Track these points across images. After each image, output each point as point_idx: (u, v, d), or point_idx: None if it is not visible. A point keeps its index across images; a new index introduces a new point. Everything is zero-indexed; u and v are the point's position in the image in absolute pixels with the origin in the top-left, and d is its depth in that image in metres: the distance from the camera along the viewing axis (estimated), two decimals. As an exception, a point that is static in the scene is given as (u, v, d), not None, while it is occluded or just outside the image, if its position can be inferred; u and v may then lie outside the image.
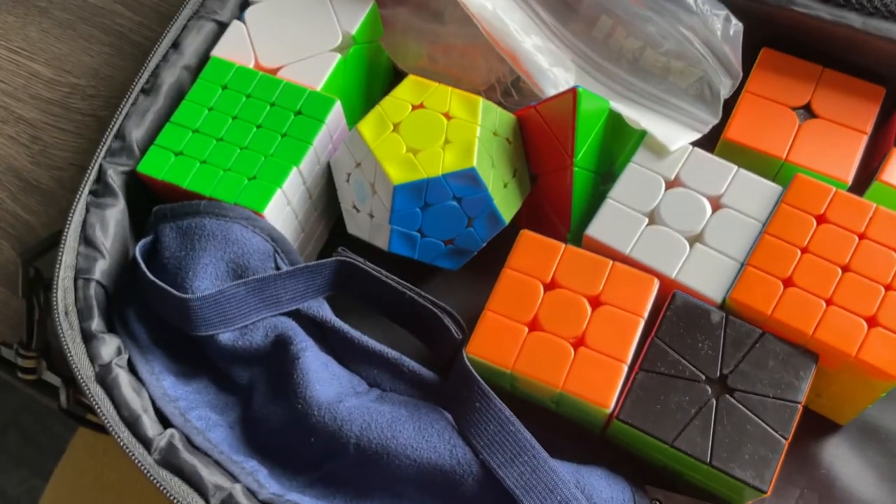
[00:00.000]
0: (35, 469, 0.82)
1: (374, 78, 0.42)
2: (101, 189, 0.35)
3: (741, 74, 0.36)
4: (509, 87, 0.41)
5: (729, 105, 0.36)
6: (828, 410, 0.35)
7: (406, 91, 0.35)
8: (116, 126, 0.37)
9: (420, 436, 0.31)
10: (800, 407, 0.30)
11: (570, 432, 0.33)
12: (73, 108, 0.47)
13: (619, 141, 0.37)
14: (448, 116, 0.35)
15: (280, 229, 0.35)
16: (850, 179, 0.34)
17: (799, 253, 0.32)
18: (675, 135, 0.35)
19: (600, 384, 0.30)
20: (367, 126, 0.35)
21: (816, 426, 0.35)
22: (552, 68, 0.38)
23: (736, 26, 0.35)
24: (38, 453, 0.82)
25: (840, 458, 0.35)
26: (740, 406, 0.30)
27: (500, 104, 0.41)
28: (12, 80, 0.48)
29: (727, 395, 0.30)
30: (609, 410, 0.30)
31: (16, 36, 0.50)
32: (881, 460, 0.34)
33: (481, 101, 0.35)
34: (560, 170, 0.36)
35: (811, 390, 0.33)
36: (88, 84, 0.48)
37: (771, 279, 0.31)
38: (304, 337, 0.33)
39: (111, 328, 0.34)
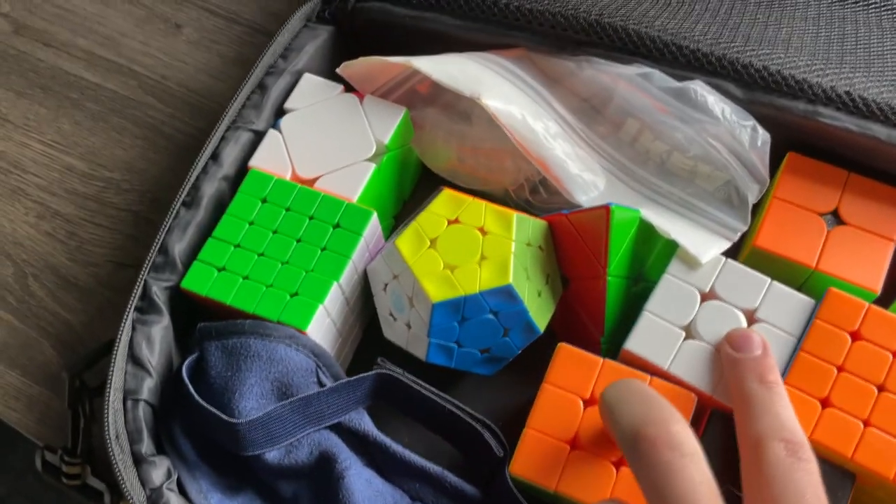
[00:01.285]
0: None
1: (405, 177, 0.43)
2: (147, 306, 0.36)
3: (768, 181, 0.37)
4: (537, 185, 0.42)
5: (754, 210, 0.37)
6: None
7: (442, 206, 0.36)
8: (160, 241, 0.38)
9: None
10: (839, 528, 0.30)
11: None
12: (107, 203, 0.48)
13: (649, 244, 0.38)
14: (483, 231, 0.35)
15: (321, 341, 0.36)
16: (879, 289, 0.35)
17: (835, 371, 0.32)
18: (706, 245, 0.36)
19: (643, 505, 0.31)
20: (404, 242, 0.36)
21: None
22: (581, 173, 0.39)
23: (763, 136, 0.36)
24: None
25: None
26: (782, 528, 0.30)
27: (527, 202, 0.42)
28: (47, 174, 0.49)
29: (768, 517, 0.31)
30: (652, 532, 0.31)
31: (49, 128, 0.51)
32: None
33: (515, 215, 0.36)
34: (593, 278, 0.36)
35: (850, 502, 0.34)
36: (122, 178, 0.49)
37: (809, 399, 0.32)
38: (347, 454, 0.34)
39: (160, 447, 0.35)
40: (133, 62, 0.53)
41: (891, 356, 0.32)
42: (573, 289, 0.38)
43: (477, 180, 0.42)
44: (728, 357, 0.32)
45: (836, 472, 0.31)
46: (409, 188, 0.44)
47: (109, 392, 0.34)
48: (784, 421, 0.29)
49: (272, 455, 0.34)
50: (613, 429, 0.28)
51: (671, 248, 0.36)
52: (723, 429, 0.32)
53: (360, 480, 0.34)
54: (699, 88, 0.37)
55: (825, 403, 0.32)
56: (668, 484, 0.25)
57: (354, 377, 0.35)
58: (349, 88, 0.42)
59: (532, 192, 0.42)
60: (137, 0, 0.55)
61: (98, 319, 0.45)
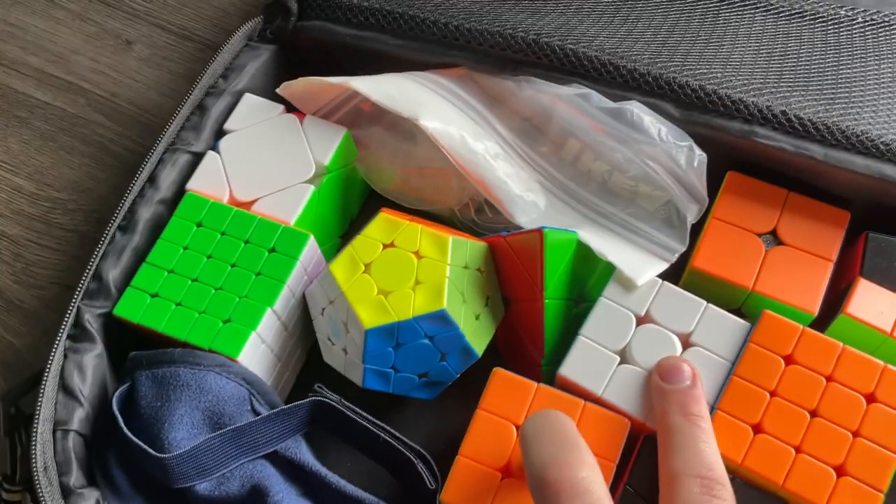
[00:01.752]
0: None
1: (349, 196, 0.42)
2: (79, 333, 0.36)
3: (707, 200, 0.37)
4: (482, 205, 0.42)
5: (695, 230, 0.37)
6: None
7: (377, 230, 0.36)
8: (94, 268, 0.37)
9: None
10: (770, 557, 0.30)
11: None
12: (54, 224, 0.48)
13: (589, 265, 0.37)
14: (419, 255, 0.35)
15: (256, 368, 0.35)
16: (816, 310, 0.34)
17: (768, 396, 0.32)
18: (643, 267, 0.36)
19: (573, 534, 0.31)
20: (338, 267, 0.35)
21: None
22: (523, 194, 0.38)
23: (700, 157, 0.36)
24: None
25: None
26: (711, 557, 0.30)
27: (473, 222, 0.42)
28: (-6, 194, 0.49)
29: (698, 545, 0.30)
30: (582, 561, 0.30)
31: (-3, 148, 0.50)
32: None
33: (451, 238, 0.35)
34: (531, 300, 0.36)
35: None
36: (69, 198, 0.49)
37: (741, 425, 0.32)
38: (281, 486, 0.33)
39: (90, 479, 0.34)
40: (83, 79, 0.53)
41: (824, 381, 0.32)
42: (514, 310, 0.38)
43: (422, 201, 0.42)
44: (656, 387, 0.32)
45: (769, 500, 0.31)
46: (357, 207, 0.44)
47: (38, 423, 0.33)
48: (703, 457, 0.28)
49: (203, 487, 0.33)
50: (525, 465, 0.28)
51: (612, 268, 0.36)
52: (655, 453, 0.32)
53: (293, 511, 0.33)
54: (636, 109, 0.36)
55: (757, 430, 0.31)
56: None
57: (289, 405, 0.34)
58: (291, 109, 0.41)
59: (477, 212, 0.42)
60: (89, 17, 0.55)
61: (43, 343, 0.45)
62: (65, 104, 0.52)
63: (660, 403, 0.31)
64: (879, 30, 0.41)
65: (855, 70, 0.38)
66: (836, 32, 0.41)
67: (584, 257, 0.37)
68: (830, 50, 0.40)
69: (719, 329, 0.34)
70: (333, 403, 0.34)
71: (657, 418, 0.31)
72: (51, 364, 0.35)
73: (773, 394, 0.32)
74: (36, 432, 0.33)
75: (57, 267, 0.47)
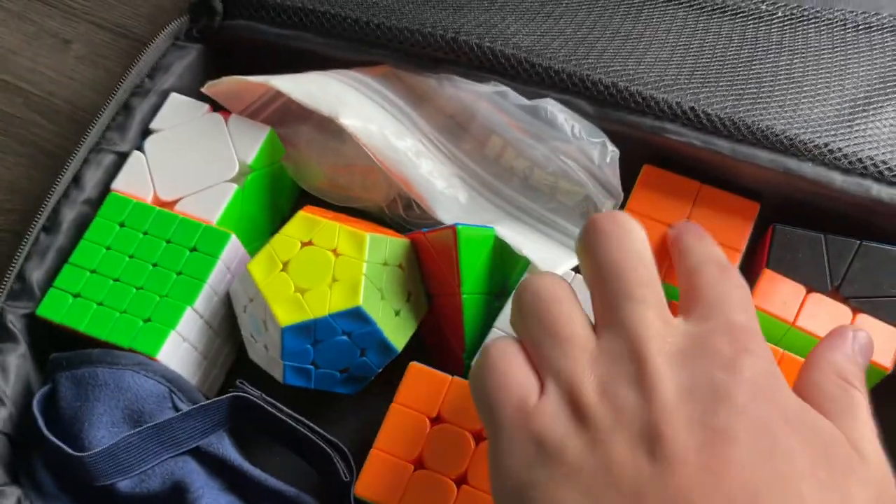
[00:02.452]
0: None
1: (278, 195, 0.43)
2: (2, 334, 0.36)
3: (622, 195, 0.37)
4: (411, 202, 0.42)
5: (613, 224, 0.38)
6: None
7: (296, 228, 0.36)
8: (17, 268, 0.37)
9: None
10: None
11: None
12: (-11, 224, 0.48)
13: (509, 260, 0.38)
14: (336, 253, 0.36)
15: (178, 366, 0.36)
16: (724, 302, 0.35)
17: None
18: (557, 260, 0.36)
19: (481, 523, 0.32)
20: (256, 265, 0.36)
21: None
22: (445, 191, 0.39)
23: (613, 153, 0.37)
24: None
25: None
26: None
27: (401, 218, 0.42)
28: (-71, 195, 0.49)
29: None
30: (490, 549, 0.31)
31: (-67, 148, 0.50)
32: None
33: (368, 236, 0.36)
34: (450, 295, 0.37)
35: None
36: (5, 198, 0.49)
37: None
38: (203, 481, 0.34)
39: (14, 478, 0.34)
40: (20, 79, 0.52)
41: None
42: (436, 305, 0.39)
43: (351, 199, 0.43)
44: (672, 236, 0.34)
45: None
46: (288, 206, 0.44)
47: (-42, 423, 0.34)
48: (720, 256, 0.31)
49: (124, 484, 0.34)
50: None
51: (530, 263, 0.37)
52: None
53: (215, 506, 0.34)
54: (549, 106, 0.37)
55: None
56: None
57: (209, 401, 0.35)
58: (218, 108, 0.42)
59: (406, 209, 0.43)
60: (28, 16, 0.55)
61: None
62: (1, 104, 0.52)
63: (674, 245, 0.33)
64: (798, 24, 0.42)
65: (767, 65, 0.39)
66: (755, 27, 0.42)
67: (505, 253, 0.38)
68: (747, 45, 0.41)
69: (628, 321, 0.34)
70: (253, 398, 0.35)
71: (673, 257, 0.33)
72: (-30, 362, 0.35)
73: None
74: (-44, 432, 0.33)
75: (-8, 268, 0.47)
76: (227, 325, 0.39)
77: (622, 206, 0.38)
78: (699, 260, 0.30)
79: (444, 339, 0.39)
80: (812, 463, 0.24)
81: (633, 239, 0.29)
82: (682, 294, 0.30)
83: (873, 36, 0.41)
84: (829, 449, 0.25)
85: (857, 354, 0.29)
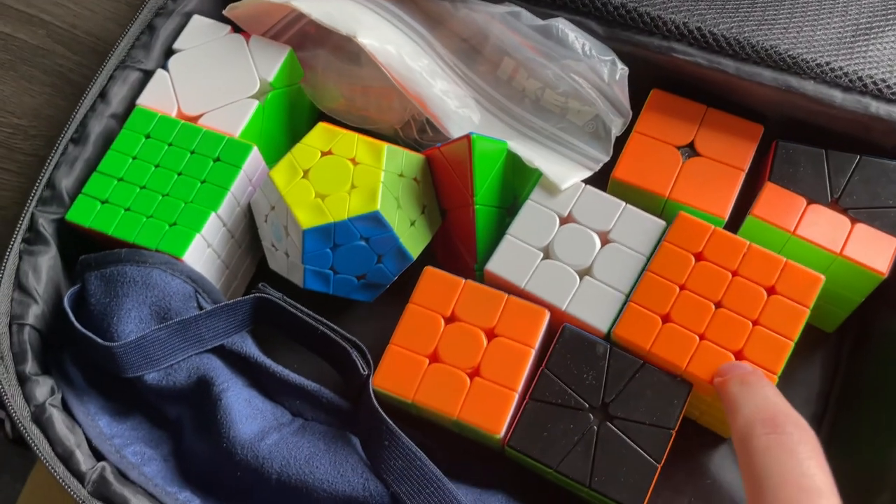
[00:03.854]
0: (17, 475, 0.84)
1: (296, 117, 0.44)
2: (33, 237, 0.38)
3: (631, 113, 0.39)
4: (424, 124, 0.44)
5: (622, 143, 0.39)
6: (713, 427, 0.38)
7: (316, 138, 0.38)
8: (47, 175, 0.39)
9: (336, 470, 0.33)
10: (672, 433, 0.32)
11: (478, 452, 0.36)
12: (16, 149, 0.49)
13: (522, 176, 0.39)
14: (354, 162, 0.37)
15: (202, 270, 0.37)
16: (726, 216, 0.37)
17: (677, 290, 0.34)
18: (567, 173, 0.38)
19: (492, 412, 0.33)
20: (278, 173, 0.37)
21: (703, 440, 0.38)
22: (458, 110, 0.40)
23: (622, 70, 0.38)
24: (21, 459, 0.84)
25: (725, 468, 0.37)
26: (619, 432, 0.33)
27: (415, 140, 0.44)
28: (-44, 121, 0.50)
29: (608, 423, 0.33)
30: (500, 437, 0.33)
31: (-41, 77, 0.52)
32: (762, 470, 0.37)
33: (386, 146, 0.37)
34: (464, 206, 0.38)
35: (696, 409, 0.36)
36: (30, 124, 0.50)
37: (651, 315, 0.34)
38: (226, 376, 0.36)
39: (46, 370, 0.36)
40: (43, 12, 0.54)
41: (730, 275, 0.34)
42: (450, 219, 0.40)
43: (367, 119, 0.44)
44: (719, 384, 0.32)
45: (674, 382, 0.33)
46: (304, 128, 0.45)
47: (-7, 317, 0.35)
48: (765, 404, 0.29)
49: (151, 377, 0.35)
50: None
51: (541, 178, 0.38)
52: (572, 342, 0.34)
53: (238, 400, 0.35)
54: (561, 25, 0.38)
55: (665, 319, 0.34)
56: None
57: (233, 301, 0.36)
58: (238, 30, 0.43)
59: (420, 132, 0.44)
60: (48, -49, 0.56)
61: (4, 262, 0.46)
62: (26, 36, 0.53)
63: (722, 392, 0.32)
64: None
65: (773, -8, 0.40)
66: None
67: (517, 169, 0.39)
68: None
69: (636, 227, 0.36)
70: (275, 299, 0.37)
71: (726, 407, 0.31)
72: (5, 264, 0.37)
73: (682, 287, 0.34)
74: (-8, 325, 0.35)
75: (18, 189, 0.48)
76: (247, 237, 0.41)
77: (630, 127, 0.39)
78: (747, 422, 0.29)
79: (456, 252, 0.40)
80: None
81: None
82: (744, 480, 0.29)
83: (877, -32, 0.42)
84: None
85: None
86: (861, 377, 0.37)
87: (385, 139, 0.43)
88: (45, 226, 0.38)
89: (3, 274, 0.36)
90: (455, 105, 0.40)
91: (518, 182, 0.40)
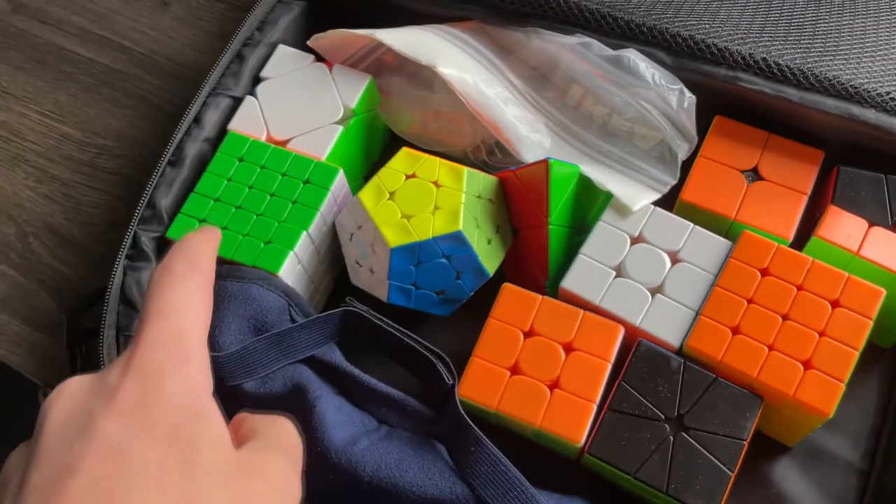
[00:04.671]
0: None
1: (373, 140, 0.47)
2: (136, 254, 0.40)
3: (696, 139, 0.41)
4: (493, 148, 0.46)
5: (687, 167, 0.41)
6: (777, 435, 0.39)
7: (400, 162, 0.40)
8: (148, 197, 0.42)
9: (424, 474, 0.36)
10: (745, 444, 0.34)
11: (554, 461, 0.38)
12: (101, 168, 0.52)
13: (590, 198, 0.42)
14: (437, 185, 0.39)
15: (293, 285, 0.40)
16: (791, 236, 0.39)
17: (745, 304, 0.36)
18: (637, 195, 0.40)
19: (573, 422, 0.35)
20: (366, 195, 0.40)
21: (769, 449, 0.40)
22: (530, 135, 0.43)
23: (690, 99, 0.40)
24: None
25: (788, 478, 0.39)
26: (694, 443, 0.34)
27: (484, 162, 0.46)
28: (44, 141, 0.53)
29: (683, 433, 0.35)
30: (580, 445, 0.35)
31: (45, 100, 0.55)
32: (823, 480, 0.39)
33: (466, 170, 0.40)
34: (537, 227, 0.40)
35: (762, 419, 0.38)
36: (115, 145, 0.53)
37: (721, 328, 0.36)
38: (319, 385, 0.38)
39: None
40: (123, 38, 0.57)
41: (795, 290, 0.36)
42: (521, 238, 0.42)
43: (438, 143, 0.46)
44: None
45: (746, 395, 0.35)
46: (378, 151, 0.48)
47: (104, 328, 0.38)
48: None
49: (250, 385, 0.38)
50: None
51: (610, 200, 0.40)
52: (648, 357, 0.36)
53: (331, 407, 0.38)
54: (632, 56, 0.40)
55: (735, 331, 0.36)
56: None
57: (323, 314, 0.39)
58: (320, 59, 0.46)
59: (489, 154, 0.46)
60: (126, -21, 0.59)
61: (93, 273, 0.49)
62: (108, 60, 0.56)
63: None
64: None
65: (832, 24, 0.42)
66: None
67: (586, 191, 0.41)
68: (811, 5, 0.44)
69: (704, 247, 0.38)
70: (363, 312, 0.39)
71: None
72: (114, 279, 0.39)
73: (749, 301, 0.36)
74: (104, 335, 0.38)
75: (105, 206, 0.51)
76: (330, 254, 0.43)
77: (695, 153, 0.41)
78: None
79: (527, 270, 0.43)
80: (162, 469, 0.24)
81: None
82: None
83: (929, -1, 0.44)
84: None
85: None
86: (921, 391, 0.39)
87: (456, 161, 0.46)
88: (147, 243, 0.41)
89: (110, 289, 0.39)
90: (526, 130, 0.43)
91: (587, 203, 0.42)
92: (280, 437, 0.28)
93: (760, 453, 0.40)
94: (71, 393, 0.25)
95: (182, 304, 0.27)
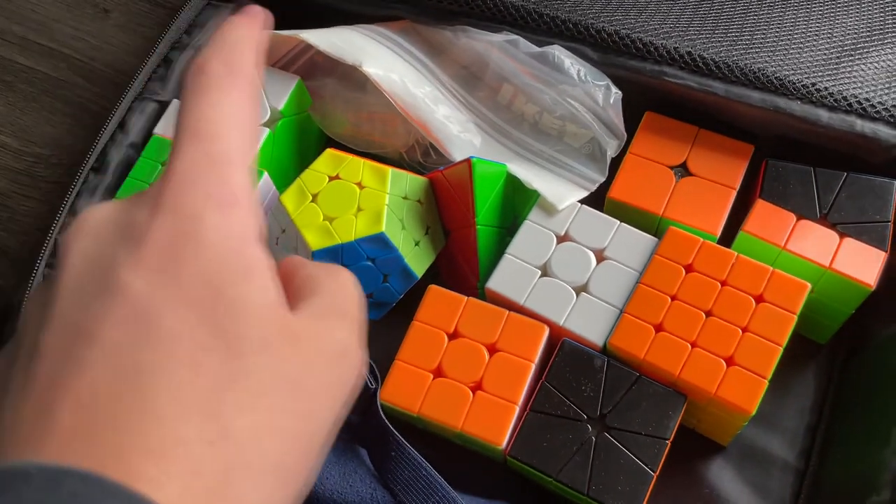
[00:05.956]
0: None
1: (305, 143, 0.46)
2: (56, 262, 0.40)
3: (625, 135, 0.40)
4: (428, 148, 0.45)
5: (618, 163, 0.41)
6: (711, 434, 0.39)
7: (323, 164, 0.40)
8: (69, 204, 0.41)
9: (345, 481, 0.35)
10: (667, 443, 0.34)
11: (480, 464, 0.37)
12: (38, 177, 0.52)
13: (522, 197, 0.41)
14: (361, 186, 0.39)
15: (217, 291, 0.39)
16: (718, 232, 0.38)
17: (669, 300, 0.36)
18: (564, 194, 0.39)
19: (494, 424, 0.34)
20: (288, 197, 0.39)
21: (704, 449, 0.39)
22: (460, 135, 0.42)
23: (616, 95, 0.40)
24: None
25: (724, 478, 0.38)
26: (616, 443, 0.34)
27: (419, 163, 0.45)
28: (-18, 151, 0.53)
29: (605, 433, 0.34)
30: (503, 448, 0.34)
31: (-16, 109, 0.54)
32: (759, 479, 0.38)
33: (390, 170, 0.39)
34: (466, 227, 0.40)
35: (693, 417, 0.38)
36: (52, 153, 0.52)
37: (644, 325, 0.35)
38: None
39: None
40: (64, 46, 0.56)
41: (719, 285, 0.36)
42: (453, 239, 0.42)
43: (372, 144, 0.46)
44: None
45: (669, 393, 0.35)
46: (314, 154, 0.47)
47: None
48: None
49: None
50: None
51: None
52: (571, 356, 0.36)
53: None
54: (557, 52, 0.40)
55: (658, 329, 0.35)
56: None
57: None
58: (251, 62, 0.45)
59: (423, 155, 0.46)
60: (68, -13, 0.58)
61: (26, 284, 0.48)
62: (47, 69, 0.56)
63: None
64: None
65: (761, 15, 0.42)
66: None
67: (517, 190, 0.41)
68: (743, -1, 0.43)
69: (630, 244, 0.37)
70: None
71: None
72: (30, 289, 0.39)
73: (673, 298, 0.36)
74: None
75: (41, 215, 0.50)
76: (259, 259, 0.42)
77: (625, 149, 0.41)
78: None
79: (459, 271, 0.42)
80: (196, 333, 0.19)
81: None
82: None
83: (863, -10, 0.43)
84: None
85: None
86: (853, 386, 0.38)
87: (391, 163, 0.45)
88: (68, 251, 0.40)
89: (27, 298, 0.38)
90: (457, 129, 0.42)
91: (518, 202, 0.41)
92: (343, 298, 0.23)
93: (695, 453, 0.39)
94: (93, 229, 0.20)
95: (223, 120, 0.21)
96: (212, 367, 0.19)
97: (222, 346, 0.19)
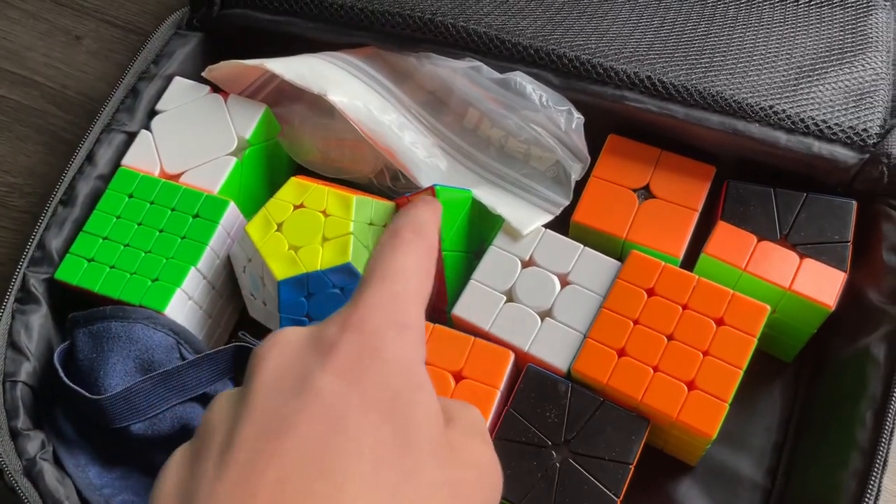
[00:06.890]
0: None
1: (275, 170, 0.46)
2: (25, 297, 0.40)
3: (588, 159, 0.41)
4: (397, 173, 0.46)
5: (582, 187, 0.41)
6: (678, 454, 0.39)
7: (288, 192, 0.40)
8: (38, 237, 0.41)
9: None
10: (631, 468, 0.34)
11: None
12: (11, 207, 0.52)
13: (488, 221, 0.41)
14: (325, 214, 0.39)
15: (185, 321, 0.39)
16: (681, 254, 0.38)
17: (631, 325, 0.36)
18: (529, 218, 0.40)
19: (459, 452, 0.35)
20: (253, 227, 0.39)
21: (672, 469, 0.39)
22: (427, 160, 0.42)
23: (578, 119, 0.40)
24: None
25: (691, 497, 0.39)
26: (580, 468, 0.34)
27: (389, 188, 0.46)
28: (-46, 182, 0.53)
29: (569, 459, 0.34)
30: (468, 475, 0.34)
31: (-43, 139, 0.54)
32: (726, 498, 0.39)
33: (355, 198, 0.39)
34: (433, 254, 0.40)
35: (660, 438, 0.38)
36: (25, 182, 0.52)
37: (607, 350, 0.36)
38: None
39: (38, 424, 0.38)
40: (36, 73, 0.56)
41: (680, 308, 0.36)
42: (420, 265, 0.42)
43: (341, 170, 0.46)
44: None
45: (632, 417, 0.35)
46: (283, 182, 0.47)
47: (-12, 374, 0.37)
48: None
49: (137, 427, 0.37)
50: None
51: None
52: (535, 382, 0.36)
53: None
54: (518, 78, 0.40)
55: (620, 353, 0.36)
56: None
57: (213, 350, 0.38)
58: (218, 91, 0.45)
59: (393, 180, 0.46)
60: (41, 15, 0.59)
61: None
62: (20, 97, 0.56)
63: None
64: (753, 1, 0.45)
65: (721, 38, 0.42)
66: (713, 5, 0.45)
67: (483, 215, 0.41)
68: (703, 21, 0.44)
69: (593, 268, 0.38)
70: (253, 348, 0.38)
71: None
72: (-1, 324, 0.39)
73: (636, 322, 0.36)
74: (-15, 382, 0.37)
75: (14, 245, 0.51)
76: (228, 287, 0.43)
77: (589, 172, 0.41)
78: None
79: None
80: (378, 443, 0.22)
81: None
82: None
83: (823, 10, 0.44)
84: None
85: None
86: (816, 405, 0.39)
87: (361, 188, 0.46)
88: (37, 285, 0.40)
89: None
90: (423, 155, 0.42)
91: (485, 227, 0.42)
92: (479, 425, 0.27)
93: (663, 473, 0.39)
94: (286, 343, 0.24)
95: (407, 269, 0.26)
96: (392, 461, 0.22)
97: (401, 444, 0.22)
